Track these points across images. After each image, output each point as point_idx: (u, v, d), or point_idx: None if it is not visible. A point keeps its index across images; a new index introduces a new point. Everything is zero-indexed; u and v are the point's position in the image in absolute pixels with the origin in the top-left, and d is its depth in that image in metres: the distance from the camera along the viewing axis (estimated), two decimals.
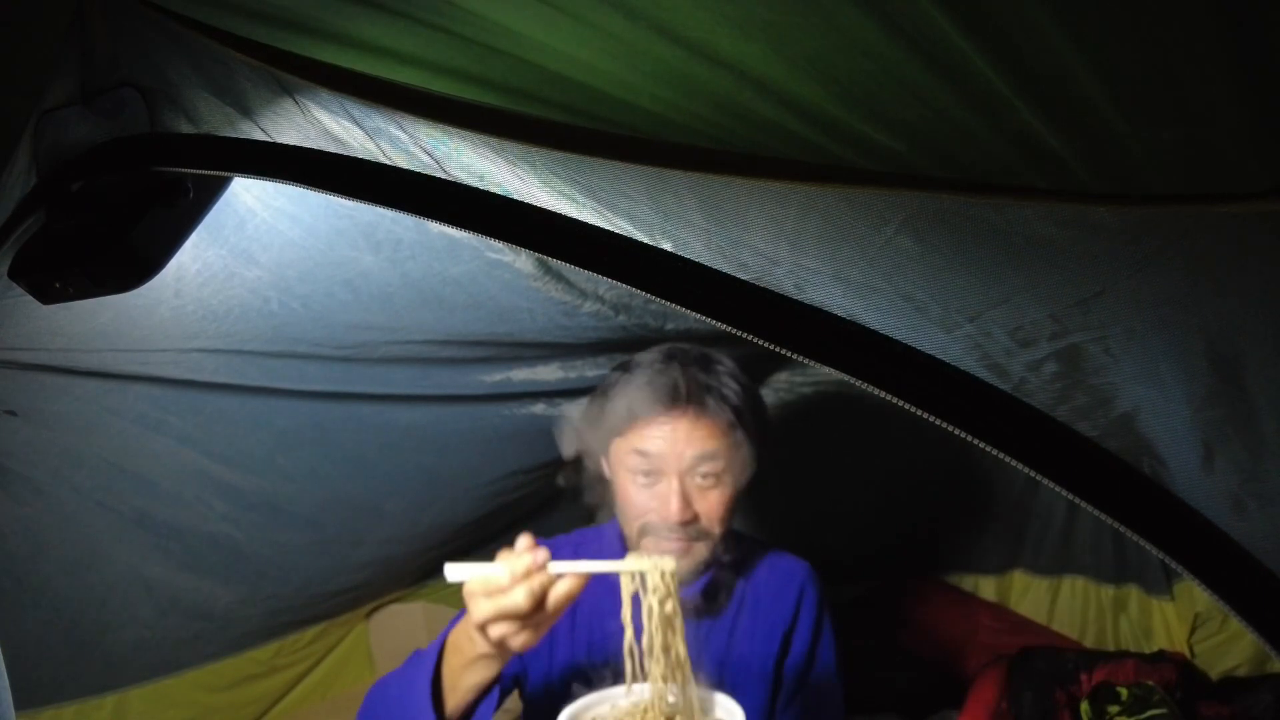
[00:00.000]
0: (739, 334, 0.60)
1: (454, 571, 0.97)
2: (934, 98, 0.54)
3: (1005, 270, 0.54)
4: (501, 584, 0.94)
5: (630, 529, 1.29)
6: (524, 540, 0.98)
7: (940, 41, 0.51)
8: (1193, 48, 0.48)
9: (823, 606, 1.44)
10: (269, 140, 0.75)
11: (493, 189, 0.66)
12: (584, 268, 0.63)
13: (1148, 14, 0.47)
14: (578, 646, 1.34)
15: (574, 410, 1.96)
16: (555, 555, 1.09)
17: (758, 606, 1.39)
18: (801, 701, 1.38)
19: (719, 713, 1.05)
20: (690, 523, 1.24)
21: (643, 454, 1.24)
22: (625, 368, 1.34)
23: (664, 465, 1.24)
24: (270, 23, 0.73)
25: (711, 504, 1.26)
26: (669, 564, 1.04)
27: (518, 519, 2.41)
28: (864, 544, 2.50)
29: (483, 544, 2.41)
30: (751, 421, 1.29)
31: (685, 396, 1.24)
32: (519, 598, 0.93)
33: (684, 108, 0.63)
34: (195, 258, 1.15)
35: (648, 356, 1.33)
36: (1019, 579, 2.37)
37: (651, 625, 1.02)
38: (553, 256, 0.65)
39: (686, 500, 1.23)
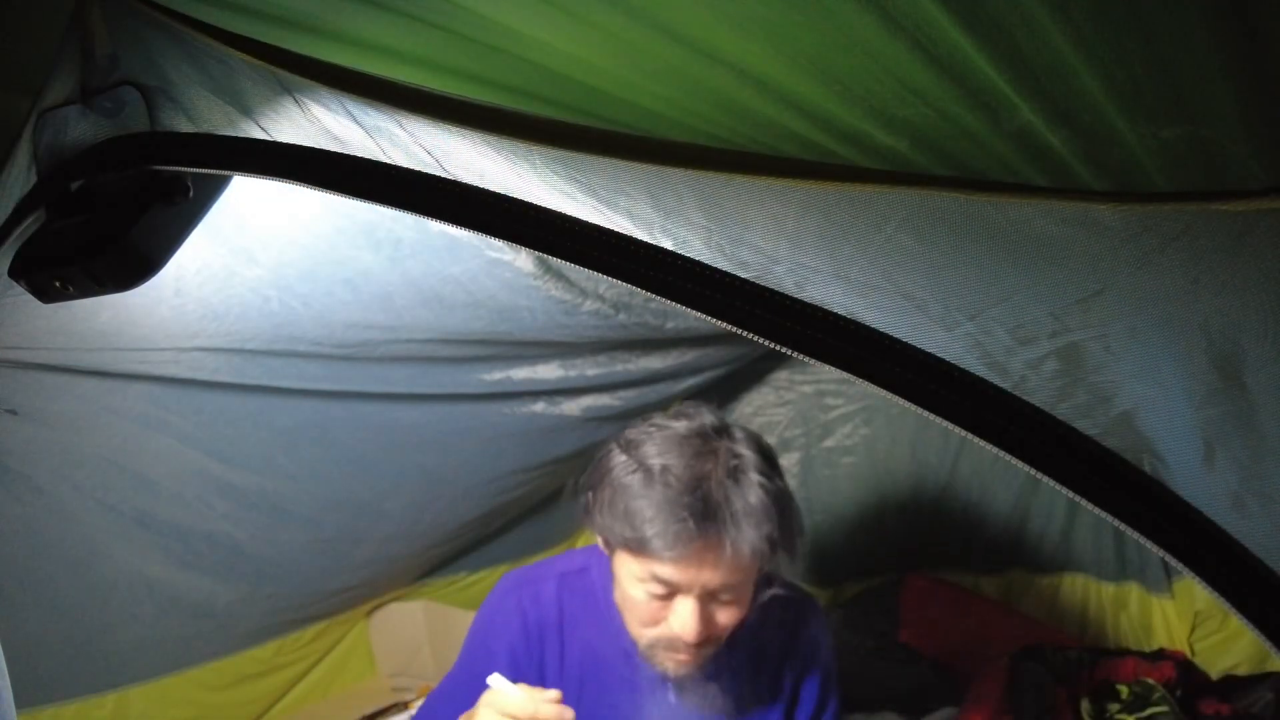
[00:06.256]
0: (739, 332, 0.60)
1: (497, 680, 1.10)
2: (934, 96, 0.54)
3: (1005, 268, 0.54)
4: (518, 713, 1.04)
5: (634, 631, 1.21)
6: (555, 693, 1.07)
7: (940, 40, 0.51)
8: (1193, 47, 0.48)
9: (832, 649, 1.38)
10: (269, 139, 0.75)
11: (492, 187, 0.66)
12: (584, 266, 0.63)
13: (1148, 13, 0.47)
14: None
15: (576, 408, 1.97)
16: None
17: (763, 655, 1.33)
18: None
19: None
20: (706, 642, 1.17)
21: (658, 579, 1.13)
22: (636, 457, 1.16)
23: (682, 589, 1.14)
24: (270, 22, 0.73)
25: (729, 620, 1.17)
26: None
27: (518, 518, 2.41)
28: (864, 542, 2.50)
29: (483, 543, 2.41)
30: (780, 535, 1.15)
31: (708, 532, 1.10)
32: None
33: (684, 106, 0.63)
34: (195, 257, 1.15)
35: (658, 462, 1.14)
36: (1019, 577, 2.37)
37: None
38: (552, 255, 0.64)
39: (705, 622, 1.14)
